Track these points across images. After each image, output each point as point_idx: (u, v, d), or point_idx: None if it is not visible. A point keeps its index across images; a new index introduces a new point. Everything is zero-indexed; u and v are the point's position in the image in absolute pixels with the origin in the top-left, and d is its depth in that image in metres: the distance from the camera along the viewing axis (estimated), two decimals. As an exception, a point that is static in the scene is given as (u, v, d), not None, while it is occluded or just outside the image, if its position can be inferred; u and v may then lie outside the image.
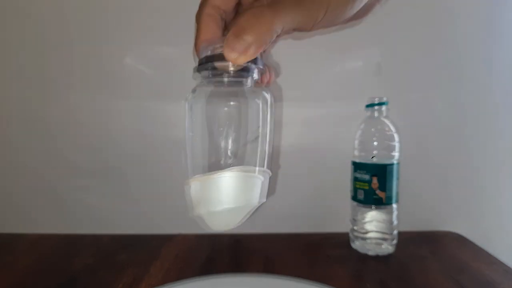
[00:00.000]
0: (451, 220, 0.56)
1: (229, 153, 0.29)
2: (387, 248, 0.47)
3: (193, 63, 0.28)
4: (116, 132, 0.54)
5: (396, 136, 0.46)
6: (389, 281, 0.40)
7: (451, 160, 0.55)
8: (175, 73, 0.51)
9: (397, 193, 0.46)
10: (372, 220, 0.47)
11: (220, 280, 0.38)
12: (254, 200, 0.28)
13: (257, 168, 0.28)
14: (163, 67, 0.52)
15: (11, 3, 0.51)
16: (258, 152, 0.29)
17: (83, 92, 0.53)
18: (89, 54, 0.52)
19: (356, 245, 0.48)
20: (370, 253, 0.47)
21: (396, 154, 0.46)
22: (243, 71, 0.26)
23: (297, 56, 0.52)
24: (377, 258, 0.46)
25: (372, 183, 0.45)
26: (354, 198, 0.48)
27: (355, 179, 0.47)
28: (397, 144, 0.46)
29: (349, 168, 0.49)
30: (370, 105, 0.47)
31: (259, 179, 0.28)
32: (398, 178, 0.46)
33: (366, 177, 0.46)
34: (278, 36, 0.24)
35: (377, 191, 0.45)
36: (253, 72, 0.27)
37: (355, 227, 0.48)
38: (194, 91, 0.29)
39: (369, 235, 0.47)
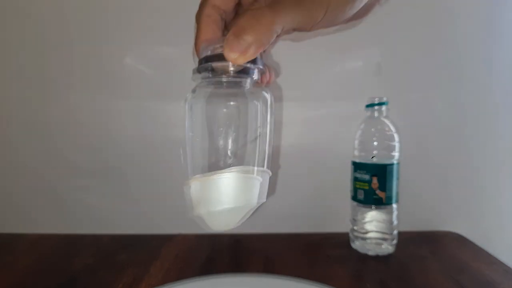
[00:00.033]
0: (451, 220, 0.56)
1: (229, 153, 0.29)
2: (387, 248, 0.47)
3: (193, 63, 0.28)
4: (116, 132, 0.54)
5: (396, 136, 0.46)
6: (389, 281, 0.40)
7: (451, 160, 0.55)
8: (175, 73, 0.51)
9: (397, 193, 0.46)
10: (372, 220, 0.47)
11: (220, 280, 0.39)
12: (254, 200, 0.28)
13: (255, 168, 0.28)
14: (163, 67, 0.52)
15: (11, 3, 0.51)
16: (258, 152, 0.29)
17: (83, 92, 0.53)
18: (89, 54, 0.52)
19: (356, 245, 0.48)
20: (370, 253, 0.47)
21: (396, 154, 0.46)
22: (243, 71, 0.26)
23: (297, 56, 0.52)
24: (377, 258, 0.46)
25: (372, 183, 0.45)
26: (354, 198, 0.48)
27: (355, 179, 0.47)
28: (397, 144, 0.46)
29: (349, 168, 0.49)
30: (370, 105, 0.47)
31: (258, 179, 0.28)
32: (398, 178, 0.46)
33: (366, 177, 0.46)
34: (278, 36, 0.24)
35: (377, 191, 0.45)
36: (253, 72, 0.27)
37: (355, 227, 0.48)
38: (194, 91, 0.29)
39: (369, 235, 0.47)
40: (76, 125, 0.53)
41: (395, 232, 0.47)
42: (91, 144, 0.54)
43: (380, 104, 0.46)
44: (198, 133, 0.30)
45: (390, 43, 0.53)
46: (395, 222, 0.47)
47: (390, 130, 0.46)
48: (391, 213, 0.47)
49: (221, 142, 0.30)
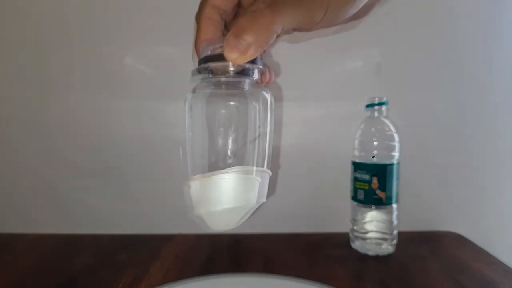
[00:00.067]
0: (451, 220, 0.56)
1: (229, 153, 0.29)
2: (387, 248, 0.47)
3: (193, 63, 0.28)
4: (116, 132, 0.54)
5: (396, 136, 0.46)
6: (389, 281, 0.40)
7: (451, 160, 0.55)
8: (175, 73, 0.51)
9: (397, 193, 0.46)
10: (372, 220, 0.47)
11: (220, 280, 0.39)
12: (254, 200, 0.28)
13: (254, 168, 0.28)
14: (163, 67, 0.52)
15: (11, 3, 0.51)
16: (258, 152, 0.29)
17: (83, 92, 0.53)
18: (89, 54, 0.52)
19: (356, 245, 0.48)
20: (370, 253, 0.47)
21: (396, 154, 0.46)
22: (243, 71, 0.26)
23: (297, 56, 0.52)
24: (377, 258, 0.46)
25: (372, 183, 0.45)
26: (354, 198, 0.48)
27: (355, 179, 0.47)
28: (397, 144, 0.46)
29: (349, 168, 0.49)
30: (370, 105, 0.47)
31: (258, 180, 0.28)
32: (398, 178, 0.46)
33: (366, 177, 0.46)
34: (278, 36, 0.24)
35: (377, 191, 0.45)
36: (253, 72, 0.27)
37: (355, 227, 0.48)
38: (194, 91, 0.29)
39: (369, 235, 0.47)
40: (76, 125, 0.53)
41: (395, 232, 0.47)
42: (91, 144, 0.54)
43: (380, 104, 0.46)
44: (198, 133, 0.30)
45: (390, 43, 0.53)
46: (395, 222, 0.47)
47: (390, 130, 0.46)
48: (391, 213, 0.47)
49: (221, 142, 0.30)
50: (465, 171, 0.55)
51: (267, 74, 0.29)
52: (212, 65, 0.26)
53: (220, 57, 0.24)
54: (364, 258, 0.46)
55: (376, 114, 0.47)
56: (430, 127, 0.54)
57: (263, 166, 0.29)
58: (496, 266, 0.44)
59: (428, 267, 0.44)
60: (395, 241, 0.47)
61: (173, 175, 0.48)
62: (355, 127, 0.49)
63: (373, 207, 0.46)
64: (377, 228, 0.47)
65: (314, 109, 0.54)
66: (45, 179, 0.55)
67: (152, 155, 0.54)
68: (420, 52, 0.53)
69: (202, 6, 0.28)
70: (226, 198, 0.27)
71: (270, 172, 0.29)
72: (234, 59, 0.23)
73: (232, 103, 0.30)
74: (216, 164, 0.29)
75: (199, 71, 0.27)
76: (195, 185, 0.28)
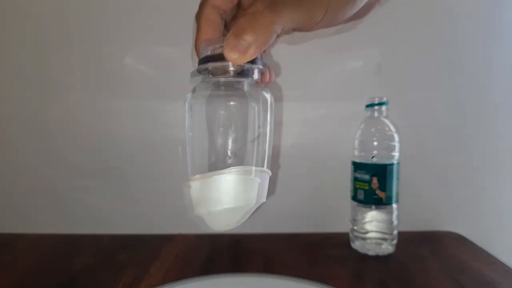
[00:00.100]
0: (451, 220, 0.56)
1: (229, 153, 0.29)
2: (387, 248, 0.47)
3: (194, 63, 0.28)
4: (116, 132, 0.54)
5: (396, 136, 0.46)
6: (389, 281, 0.40)
7: (451, 160, 0.55)
8: (175, 73, 0.51)
9: (397, 193, 0.46)
10: (372, 220, 0.47)
11: (220, 280, 0.39)
12: (254, 200, 0.28)
13: (254, 168, 0.28)
14: (163, 67, 0.52)
15: (11, 3, 0.51)
16: (258, 152, 0.29)
17: (83, 92, 0.53)
18: (89, 54, 0.52)
19: (356, 245, 0.48)
20: (370, 253, 0.47)
21: (396, 154, 0.46)
22: (243, 71, 0.26)
23: (297, 56, 0.52)
24: (377, 258, 0.46)
25: (372, 183, 0.45)
26: (354, 198, 0.48)
27: (355, 179, 0.47)
28: (397, 144, 0.46)
29: (349, 168, 0.49)
30: (370, 105, 0.47)
31: (258, 180, 0.28)
32: (398, 178, 0.46)
33: (366, 177, 0.46)
34: (278, 36, 0.24)
35: (377, 191, 0.45)
36: (253, 72, 0.27)
37: (355, 227, 0.48)
38: (194, 91, 0.29)
39: (369, 235, 0.47)
40: (76, 125, 0.53)
41: (395, 232, 0.47)
42: (91, 144, 0.54)
43: (380, 104, 0.46)
44: (198, 133, 0.30)
45: (390, 43, 0.53)
46: (395, 222, 0.47)
47: (390, 130, 0.46)
48: (391, 213, 0.47)
49: (221, 142, 0.30)
50: (465, 171, 0.55)
51: (267, 74, 0.29)
52: (212, 65, 0.26)
53: (220, 57, 0.24)
54: (364, 258, 0.46)
55: (376, 114, 0.47)
56: (430, 127, 0.54)
57: (263, 166, 0.29)
58: (496, 266, 0.44)
59: (428, 267, 0.44)
60: (395, 241, 0.47)
61: (173, 175, 0.48)
62: (355, 127, 0.49)
63: (373, 207, 0.46)
64: (377, 228, 0.47)
65: (314, 109, 0.54)
66: (45, 179, 0.55)
67: (152, 155, 0.54)
68: (420, 52, 0.53)
69: (202, 6, 0.28)
70: (226, 198, 0.27)
71: (270, 172, 0.29)
72: (234, 59, 0.23)
73: (232, 103, 0.30)
74: (216, 164, 0.29)
75: (199, 71, 0.27)
76: (195, 185, 0.28)
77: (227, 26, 0.29)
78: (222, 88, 0.29)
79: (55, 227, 0.55)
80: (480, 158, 0.55)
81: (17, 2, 0.51)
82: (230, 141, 0.30)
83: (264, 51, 0.25)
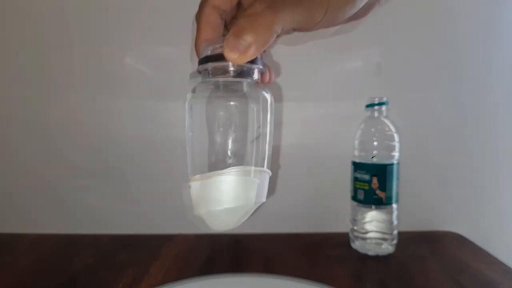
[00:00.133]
0: (451, 220, 0.56)
1: (229, 153, 0.29)
2: (387, 248, 0.47)
3: (192, 63, 0.28)
4: (116, 132, 0.54)
5: (396, 136, 0.46)
6: (389, 281, 0.40)
7: (451, 160, 0.55)
8: (175, 73, 0.51)
9: (397, 193, 0.46)
10: (372, 220, 0.47)
11: (220, 280, 0.39)
12: (254, 200, 0.28)
13: (254, 168, 0.28)
14: (163, 67, 0.52)
15: (11, 3, 0.51)
16: (258, 152, 0.29)
17: (83, 92, 0.53)
18: (89, 54, 0.52)
19: (356, 245, 0.48)
20: (370, 253, 0.47)
21: (396, 154, 0.46)
22: (243, 71, 0.26)
23: (297, 56, 0.52)
24: (377, 258, 0.46)
25: (372, 183, 0.45)
26: (354, 198, 0.48)
27: (355, 179, 0.47)
28: (397, 144, 0.46)
29: (349, 168, 0.49)
30: (370, 105, 0.47)
31: (258, 180, 0.28)
32: (398, 178, 0.46)
33: (366, 177, 0.46)
34: (278, 36, 0.24)
35: (377, 191, 0.45)
36: (253, 72, 0.27)
37: (355, 227, 0.48)
38: (194, 91, 0.29)
39: (369, 235, 0.47)
40: (76, 125, 0.53)
41: (395, 232, 0.47)
42: (91, 144, 0.54)
43: (380, 104, 0.46)
44: (198, 133, 0.30)
45: (390, 43, 0.53)
46: (395, 222, 0.47)
47: (390, 130, 0.46)
48: (391, 213, 0.47)
49: (221, 142, 0.30)
50: (465, 171, 0.55)
51: (267, 74, 0.29)
52: (212, 65, 0.26)
53: (220, 57, 0.24)
54: (364, 258, 0.46)
55: (376, 114, 0.47)
56: (430, 127, 0.54)
57: (263, 166, 0.29)
58: (496, 266, 0.44)
59: (428, 267, 0.44)
60: (395, 241, 0.47)
61: (173, 175, 0.48)
62: (355, 127, 0.49)
63: (373, 207, 0.46)
64: (377, 228, 0.47)
65: (314, 109, 0.54)
66: (45, 179, 0.55)
67: (152, 155, 0.54)
68: (420, 52, 0.53)
69: (202, 6, 0.28)
70: (226, 198, 0.27)
71: (270, 172, 0.29)
72: (234, 59, 0.23)
73: (232, 103, 0.30)
74: (216, 164, 0.29)
75: (199, 71, 0.27)
76: (195, 185, 0.28)
77: (227, 26, 0.29)
78: (222, 88, 0.29)
79: (55, 227, 0.55)
80: (480, 158, 0.55)
81: (17, 2, 0.51)
82: (230, 141, 0.30)
83: (264, 51, 0.25)
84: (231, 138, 0.30)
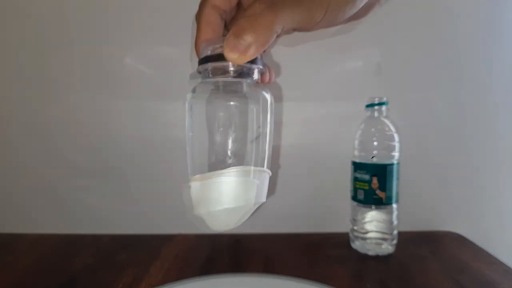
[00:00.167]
0: (451, 220, 0.56)
1: (229, 153, 0.29)
2: (387, 248, 0.47)
3: (193, 63, 0.28)
4: (116, 132, 0.54)
5: (396, 136, 0.46)
6: (389, 281, 0.40)
7: (451, 160, 0.55)
8: (175, 73, 0.51)
9: (397, 193, 0.46)
10: (372, 220, 0.47)
11: (220, 280, 0.39)
12: (254, 200, 0.28)
13: (254, 168, 0.28)
14: (163, 67, 0.52)
15: (11, 3, 0.51)
16: (258, 152, 0.29)
17: (83, 92, 0.53)
18: (89, 54, 0.52)
19: (356, 245, 0.48)
20: (370, 253, 0.47)
21: (396, 154, 0.46)
22: (243, 71, 0.26)
23: (297, 56, 0.52)
24: (377, 258, 0.46)
25: (372, 183, 0.45)
26: (354, 198, 0.48)
27: (355, 179, 0.47)
28: (397, 144, 0.46)
29: (349, 168, 0.49)
30: (370, 105, 0.47)
31: (258, 180, 0.28)
32: (398, 178, 0.46)
33: (366, 177, 0.46)
34: (278, 36, 0.24)
35: (377, 191, 0.45)
36: (253, 73, 0.27)
37: (355, 227, 0.48)
38: (194, 91, 0.29)
39: (369, 235, 0.47)
40: (76, 125, 0.53)
41: (395, 232, 0.47)
42: (91, 144, 0.54)
43: (380, 104, 0.46)
44: (198, 133, 0.30)
45: (390, 43, 0.53)
46: (395, 222, 0.47)
47: (390, 130, 0.46)
48: (391, 213, 0.47)
49: (221, 142, 0.30)
50: (465, 171, 0.55)
51: (267, 74, 0.29)
52: (212, 65, 0.26)
53: (220, 57, 0.24)
54: (364, 258, 0.46)
55: (376, 114, 0.47)
56: (430, 127, 0.54)
57: (263, 166, 0.29)
58: (496, 266, 0.44)
59: (428, 267, 0.44)
60: (395, 241, 0.47)
61: (173, 175, 0.48)
62: (355, 127, 0.49)
63: (373, 207, 0.46)
64: (377, 228, 0.47)
65: (314, 109, 0.54)
66: (45, 179, 0.55)
67: (152, 155, 0.54)
68: (420, 52, 0.53)
69: (202, 6, 0.28)
70: (226, 198, 0.27)
71: (270, 172, 0.29)
72: (234, 59, 0.23)
73: (232, 103, 0.30)
74: (216, 164, 0.29)
75: (199, 71, 0.27)
76: (195, 185, 0.28)
77: (227, 26, 0.30)
78: (222, 88, 0.29)
79: (55, 227, 0.55)
80: (480, 158, 0.55)
81: (17, 2, 0.51)
82: (230, 141, 0.30)
83: (264, 51, 0.25)
84: (231, 138, 0.30)
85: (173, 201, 0.52)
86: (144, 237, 0.53)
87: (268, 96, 0.29)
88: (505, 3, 0.53)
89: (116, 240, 0.52)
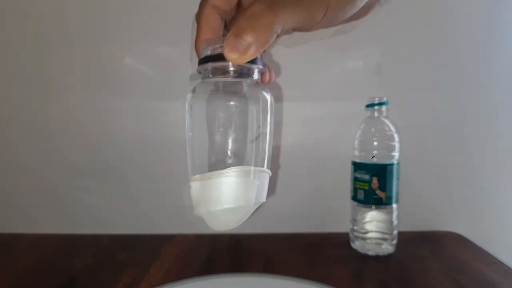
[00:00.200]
0: (451, 220, 0.56)
1: (229, 153, 0.29)
2: (387, 248, 0.47)
3: (193, 63, 0.28)
4: (116, 132, 0.54)
5: (396, 136, 0.46)
6: (389, 281, 0.40)
7: (451, 160, 0.55)
8: (175, 73, 0.51)
9: (397, 193, 0.46)
10: (372, 220, 0.47)
11: (220, 280, 0.39)
12: (254, 200, 0.28)
13: (254, 168, 0.28)
14: (163, 67, 0.52)
15: (11, 3, 0.51)
16: (258, 152, 0.29)
17: (83, 92, 0.53)
18: (89, 54, 0.52)
19: (356, 245, 0.48)
20: (370, 253, 0.47)
21: (396, 154, 0.46)
22: (243, 71, 0.26)
23: (297, 56, 0.52)
24: (377, 258, 0.46)
25: (372, 183, 0.45)
26: (354, 198, 0.48)
27: (355, 179, 0.47)
28: (397, 144, 0.46)
29: (349, 168, 0.49)
30: (370, 105, 0.47)
31: (258, 180, 0.28)
32: (398, 178, 0.46)
33: (366, 177, 0.46)
34: (278, 36, 0.24)
35: (377, 191, 0.45)
36: (253, 73, 0.27)
37: (355, 227, 0.48)
38: (194, 91, 0.29)
39: (369, 235, 0.47)
40: (76, 125, 0.53)
41: (395, 232, 0.47)
42: (91, 144, 0.54)
43: (380, 104, 0.46)
44: (198, 133, 0.30)
45: (390, 43, 0.53)
46: (395, 222, 0.47)
47: (390, 130, 0.46)
48: (391, 213, 0.47)
49: (221, 142, 0.30)
50: (465, 171, 0.55)
51: (267, 74, 0.30)
52: (212, 65, 0.26)
53: (220, 57, 0.24)
54: (364, 258, 0.46)
55: (376, 114, 0.47)
56: (430, 127, 0.54)
57: (263, 166, 0.29)
58: (496, 266, 0.44)
59: (428, 267, 0.44)
60: (395, 241, 0.47)
61: (173, 175, 0.48)
62: (355, 127, 0.49)
63: (373, 207, 0.46)
64: (377, 228, 0.47)
65: (314, 109, 0.54)
66: (45, 179, 0.55)
67: (152, 155, 0.54)
68: (420, 52, 0.53)
69: (202, 6, 0.28)
70: (226, 198, 0.27)
71: (270, 172, 0.29)
72: (234, 59, 0.23)
73: (232, 103, 0.30)
74: (216, 164, 0.29)
75: (199, 71, 0.27)
76: (195, 185, 0.28)
77: (227, 26, 0.30)
78: (222, 88, 0.29)
79: (55, 227, 0.55)
80: (480, 158, 0.55)
81: (17, 2, 0.51)
82: (230, 141, 0.30)
83: (264, 51, 0.25)
84: (231, 138, 0.30)
85: (173, 201, 0.52)
86: (144, 237, 0.53)
87: (268, 96, 0.29)
88: (505, 3, 0.53)
89: (116, 240, 0.52)
